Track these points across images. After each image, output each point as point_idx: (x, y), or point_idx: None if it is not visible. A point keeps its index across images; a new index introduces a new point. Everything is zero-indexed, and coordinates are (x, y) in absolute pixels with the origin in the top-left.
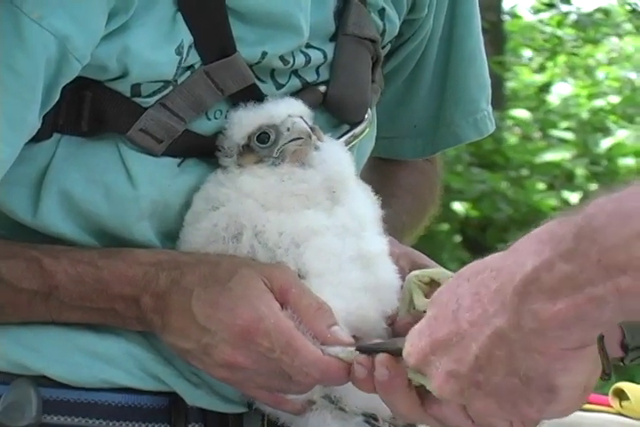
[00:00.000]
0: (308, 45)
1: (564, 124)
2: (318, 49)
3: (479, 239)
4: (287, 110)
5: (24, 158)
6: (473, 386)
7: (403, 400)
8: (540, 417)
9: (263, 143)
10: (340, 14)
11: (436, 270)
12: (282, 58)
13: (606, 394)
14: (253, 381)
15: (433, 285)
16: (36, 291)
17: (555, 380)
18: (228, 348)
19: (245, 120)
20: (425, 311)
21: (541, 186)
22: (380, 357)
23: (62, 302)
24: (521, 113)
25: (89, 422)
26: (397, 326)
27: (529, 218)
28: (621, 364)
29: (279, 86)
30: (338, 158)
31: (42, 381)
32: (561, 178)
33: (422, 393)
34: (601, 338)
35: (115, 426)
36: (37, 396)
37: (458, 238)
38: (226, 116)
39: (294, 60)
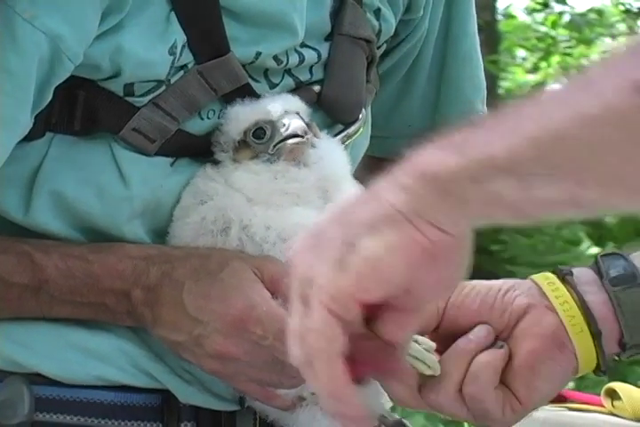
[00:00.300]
0: (303, 45)
1: None
2: (313, 49)
3: (473, 239)
4: (284, 106)
5: (16, 157)
6: None
7: (403, 387)
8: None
9: (259, 139)
10: (336, 14)
11: None
12: (275, 57)
13: (598, 394)
14: (245, 373)
15: None
16: (27, 285)
17: None
18: (220, 337)
19: (242, 115)
20: None
21: None
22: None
23: (53, 297)
24: None
25: (81, 421)
26: None
27: None
28: (616, 358)
29: (273, 86)
30: (333, 158)
31: (34, 378)
32: None
33: (420, 380)
34: (599, 334)
35: (107, 424)
36: (30, 393)
37: None
38: (219, 116)
39: (288, 60)
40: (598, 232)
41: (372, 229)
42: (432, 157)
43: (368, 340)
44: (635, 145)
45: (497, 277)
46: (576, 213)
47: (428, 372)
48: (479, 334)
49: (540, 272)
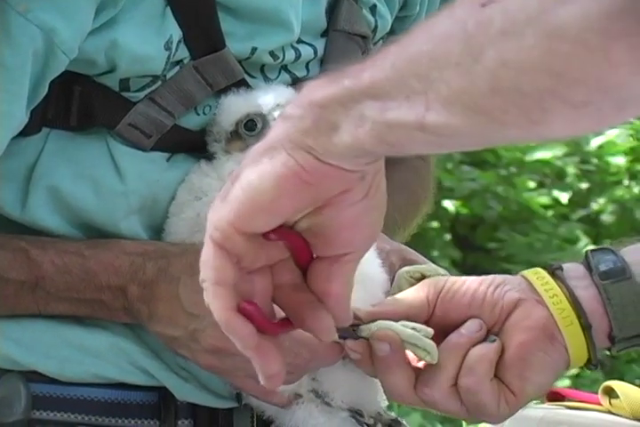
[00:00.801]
0: (299, 41)
1: None
2: (309, 44)
3: (469, 237)
4: (276, 99)
5: (12, 153)
6: None
7: (401, 379)
8: None
9: (251, 131)
10: (332, 10)
11: (427, 266)
12: (272, 53)
13: (596, 392)
14: (242, 368)
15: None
16: (23, 281)
17: None
18: (216, 332)
19: (234, 107)
20: None
21: (532, 184)
22: (379, 334)
23: (49, 293)
24: None
25: (78, 418)
26: None
27: (519, 216)
28: (607, 352)
29: (269, 81)
30: None
31: (31, 376)
32: (551, 176)
33: (416, 374)
34: (589, 327)
35: (104, 422)
36: (27, 391)
37: (448, 236)
38: (215, 112)
39: (284, 56)
40: (595, 230)
41: (254, 161)
42: (316, 87)
43: (300, 292)
44: (473, 59)
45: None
46: (425, 140)
47: (427, 358)
48: (471, 328)
49: None
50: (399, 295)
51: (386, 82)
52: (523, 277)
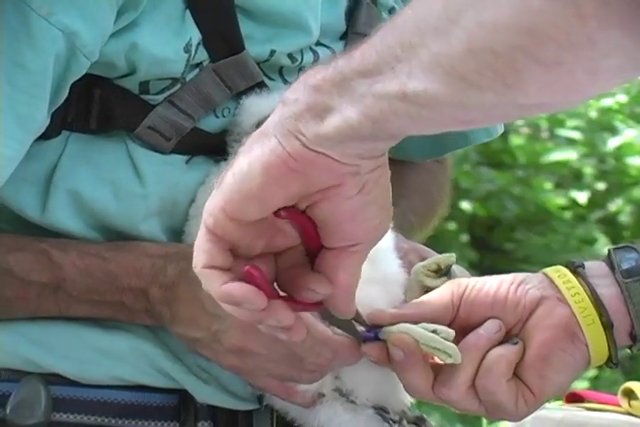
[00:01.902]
0: (318, 43)
1: (572, 122)
2: (327, 47)
3: (486, 238)
4: None
5: (33, 156)
6: None
7: (418, 379)
8: None
9: None
10: (351, 13)
11: (441, 256)
12: (290, 56)
13: (614, 394)
14: (264, 368)
15: (440, 271)
16: (45, 283)
17: None
18: (238, 332)
19: (255, 108)
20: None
21: (549, 185)
22: (394, 338)
23: (70, 296)
24: None
25: (98, 420)
26: None
27: (536, 217)
28: (629, 350)
29: (287, 84)
30: None
31: (51, 378)
32: (569, 177)
33: (435, 373)
34: (610, 326)
35: (124, 424)
36: (47, 393)
37: (465, 238)
38: (234, 114)
39: (303, 58)
40: (613, 231)
41: (247, 149)
42: (313, 71)
43: (304, 273)
44: (451, 21)
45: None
46: (406, 112)
47: (449, 360)
48: (490, 328)
49: None
50: (423, 298)
51: (375, 56)
52: (544, 274)
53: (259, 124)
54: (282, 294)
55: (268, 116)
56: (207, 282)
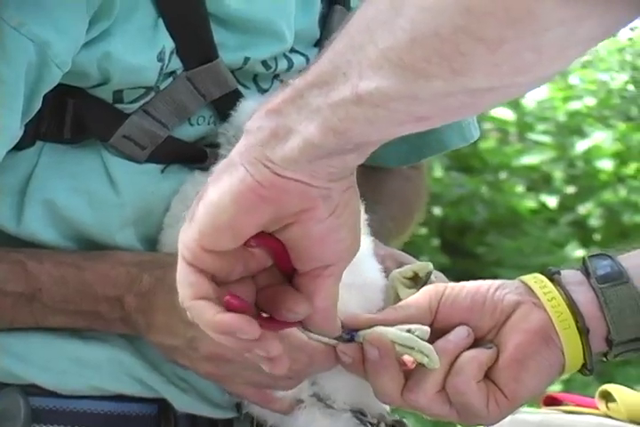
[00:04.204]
0: (292, 50)
1: (541, 126)
2: (301, 54)
3: (458, 243)
4: None
5: (7, 167)
6: None
7: (389, 382)
8: None
9: None
10: (325, 20)
11: (417, 264)
12: (264, 63)
13: (588, 396)
14: (240, 375)
15: (416, 279)
16: (21, 293)
17: None
18: (214, 340)
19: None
20: None
21: (519, 189)
22: (370, 337)
23: (46, 305)
24: (503, 112)
25: None
26: None
27: (508, 221)
28: (604, 359)
29: (262, 91)
30: None
31: (31, 389)
32: (539, 180)
33: (405, 379)
34: (586, 331)
35: None
36: (26, 404)
37: (436, 242)
38: (209, 122)
39: (277, 65)
40: (584, 234)
41: (215, 179)
42: (273, 97)
43: (282, 292)
44: (396, 12)
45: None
46: (364, 117)
47: (424, 360)
48: (459, 334)
49: (525, 274)
50: (401, 303)
51: (328, 64)
52: (521, 281)
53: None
54: (263, 314)
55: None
56: (199, 314)
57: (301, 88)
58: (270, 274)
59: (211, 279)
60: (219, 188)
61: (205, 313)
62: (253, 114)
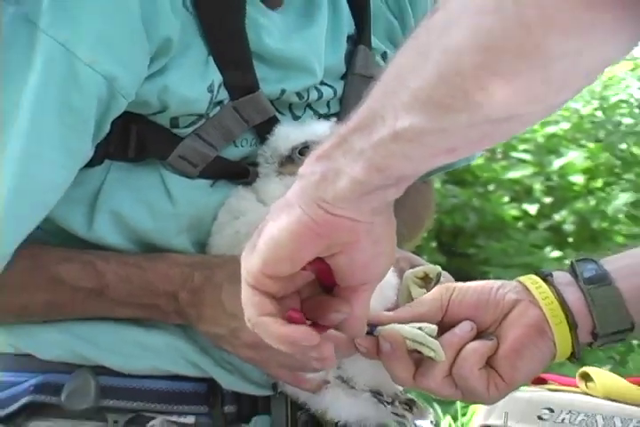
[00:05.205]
0: (322, 83)
1: (523, 146)
2: (330, 86)
3: (452, 244)
4: (329, 129)
5: (80, 181)
6: None
7: (402, 370)
8: None
9: (304, 156)
10: (350, 57)
11: (428, 266)
12: (298, 94)
13: (564, 374)
14: (276, 360)
15: (426, 279)
16: (91, 289)
17: None
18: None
19: (293, 135)
20: None
21: (505, 199)
22: (384, 333)
23: (112, 300)
24: None
25: (140, 405)
26: None
27: (494, 226)
28: (589, 348)
29: (296, 118)
30: None
31: (99, 370)
32: (521, 192)
33: (416, 364)
34: (575, 326)
35: (162, 408)
36: (96, 383)
37: (434, 244)
38: (251, 144)
39: (309, 96)
40: (559, 238)
41: (275, 217)
42: (321, 144)
43: (323, 300)
44: (424, 58)
45: (474, 278)
46: (402, 153)
47: (431, 354)
48: (464, 328)
49: (510, 271)
50: (415, 301)
51: (367, 111)
52: (518, 282)
53: (293, 149)
54: (307, 322)
55: (305, 142)
56: (265, 329)
57: (345, 134)
58: (312, 287)
59: (272, 298)
60: (278, 225)
61: (271, 327)
62: (306, 159)
